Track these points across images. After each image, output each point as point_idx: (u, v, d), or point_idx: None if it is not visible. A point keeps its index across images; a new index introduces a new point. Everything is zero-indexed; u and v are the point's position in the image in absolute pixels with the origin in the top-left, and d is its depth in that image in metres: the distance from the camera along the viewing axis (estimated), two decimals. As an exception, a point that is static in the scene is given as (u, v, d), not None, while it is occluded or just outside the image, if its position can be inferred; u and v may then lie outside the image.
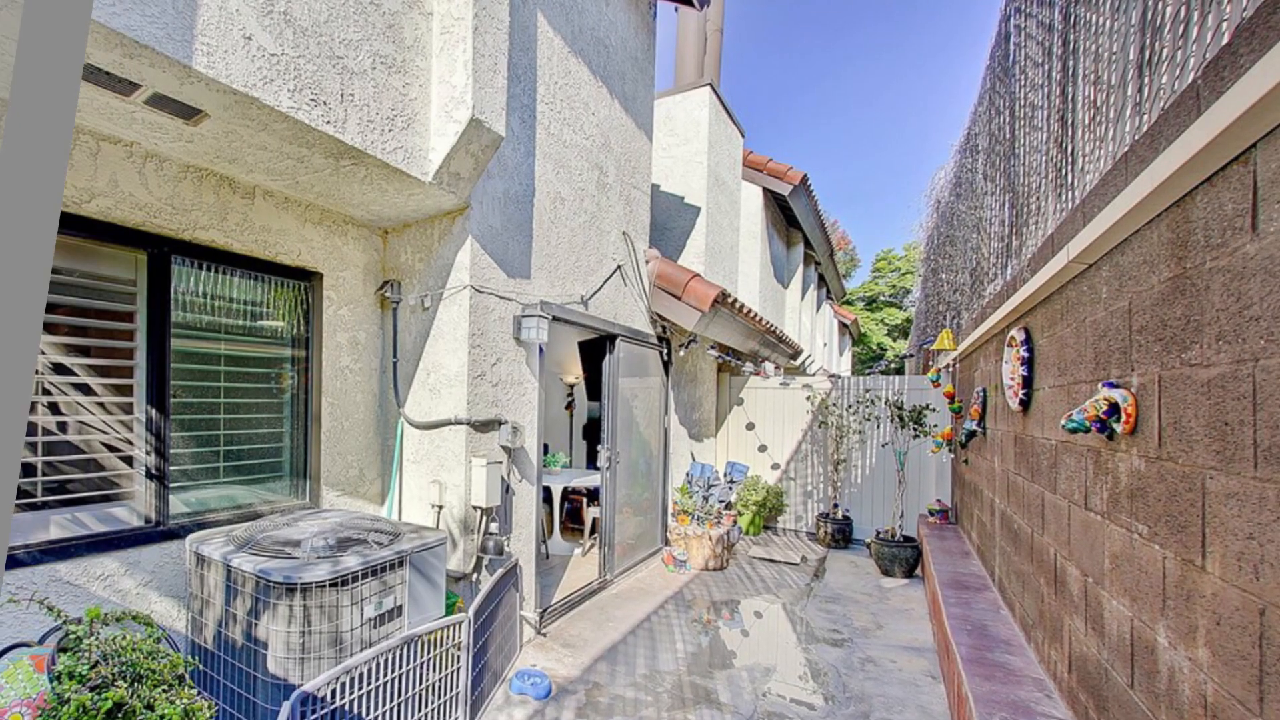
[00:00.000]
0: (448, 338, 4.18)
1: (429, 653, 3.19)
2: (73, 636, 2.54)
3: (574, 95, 5.21)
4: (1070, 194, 2.92)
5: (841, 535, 8.13)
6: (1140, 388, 2.15)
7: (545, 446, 8.37)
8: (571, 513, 8.29)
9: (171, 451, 3.40)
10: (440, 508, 4.19)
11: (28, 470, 2.89)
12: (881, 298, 32.30)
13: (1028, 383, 3.56)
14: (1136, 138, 2.12)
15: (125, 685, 2.40)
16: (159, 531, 3.31)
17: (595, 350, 6.72)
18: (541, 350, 4.87)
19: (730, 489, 7.79)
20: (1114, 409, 2.23)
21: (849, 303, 32.52)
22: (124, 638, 2.57)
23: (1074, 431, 2.43)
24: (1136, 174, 1.98)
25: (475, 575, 4.21)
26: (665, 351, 7.28)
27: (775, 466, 9.18)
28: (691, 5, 7.70)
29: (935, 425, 7.35)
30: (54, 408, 2.99)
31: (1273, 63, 1.33)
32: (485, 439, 4.27)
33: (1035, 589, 3.39)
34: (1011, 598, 3.94)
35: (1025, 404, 3.61)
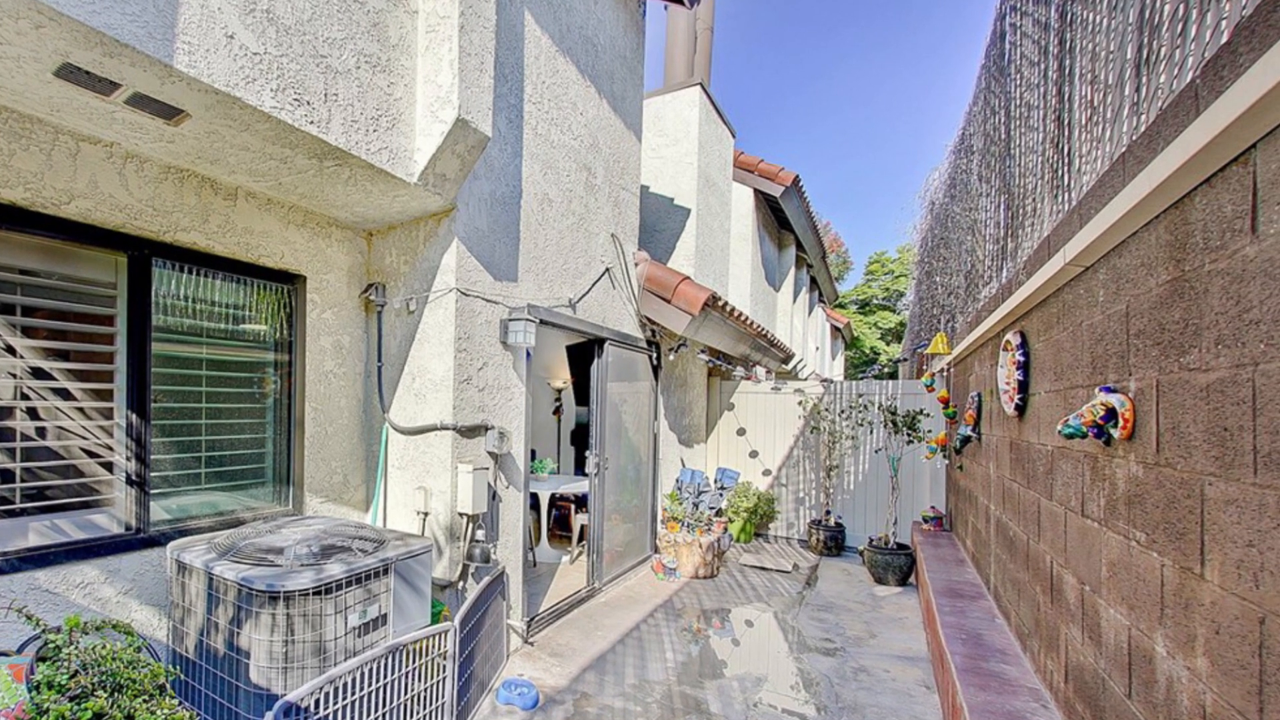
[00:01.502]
0: (433, 341, 4.13)
1: (414, 662, 3.15)
2: (52, 645, 2.54)
3: (562, 95, 5.18)
4: (1067, 196, 2.90)
5: (834, 542, 8.09)
6: (1138, 392, 2.12)
7: (533, 452, 8.33)
8: (559, 520, 8.24)
9: (152, 457, 3.35)
10: (426, 515, 4.14)
11: (6, 476, 2.85)
12: (875, 301, 32.38)
13: (1024, 387, 3.54)
14: (1134, 138, 2.10)
15: (105, 695, 2.41)
16: (139, 539, 3.26)
17: (583, 354, 6.67)
18: (529, 354, 4.83)
19: (721, 495, 7.75)
20: (1111, 414, 2.20)
21: (841, 306, 32.58)
22: (104, 647, 2.59)
23: (1070, 437, 2.41)
24: (1134, 175, 1.96)
25: (461, 583, 4.15)
26: (655, 356, 7.24)
27: (767, 473, 9.13)
28: (681, 3, 7.65)
29: (929, 431, 7.35)
30: (33, 413, 2.95)
31: (1273, 62, 1.32)
32: (471, 445, 4.22)
33: (1031, 597, 3.36)
34: (1007, 606, 3.91)
35: (1021, 409, 3.59)
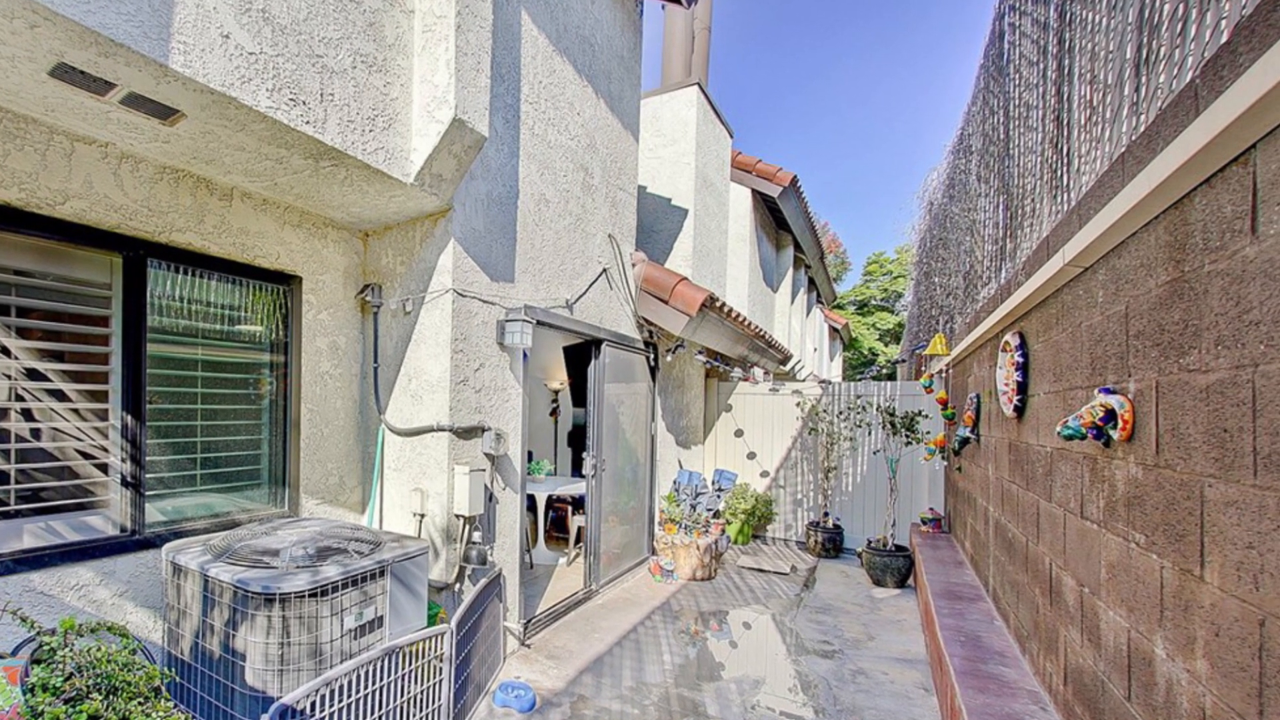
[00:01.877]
0: (429, 342, 4.11)
1: (411, 665, 3.13)
2: (47, 648, 2.52)
3: (559, 95, 5.16)
4: (1066, 196, 2.89)
5: (832, 544, 8.08)
6: (1137, 394, 2.12)
7: (529, 454, 8.31)
8: (556, 521, 8.20)
9: (148, 459, 3.33)
10: (422, 516, 4.12)
11: (0, 478, 2.84)
12: (873, 301, 32.35)
13: (1022, 389, 3.53)
14: (1133, 138, 2.10)
15: (100, 698, 2.39)
16: (135, 540, 3.24)
17: (580, 355, 6.66)
18: (525, 355, 4.81)
19: (718, 497, 7.73)
20: (1111, 415, 2.20)
21: (840, 307, 32.56)
22: (99, 649, 2.56)
23: (1070, 438, 2.40)
24: (1134, 175, 1.95)
25: (458, 585, 4.14)
26: (652, 357, 7.23)
27: (764, 474, 9.12)
28: (679, 3, 7.64)
29: (928, 432, 7.33)
30: (27, 414, 2.93)
31: (1273, 61, 1.31)
32: (468, 446, 4.20)
33: (1030, 599, 3.35)
34: (1006, 608, 3.90)
35: (1020, 410, 3.58)
